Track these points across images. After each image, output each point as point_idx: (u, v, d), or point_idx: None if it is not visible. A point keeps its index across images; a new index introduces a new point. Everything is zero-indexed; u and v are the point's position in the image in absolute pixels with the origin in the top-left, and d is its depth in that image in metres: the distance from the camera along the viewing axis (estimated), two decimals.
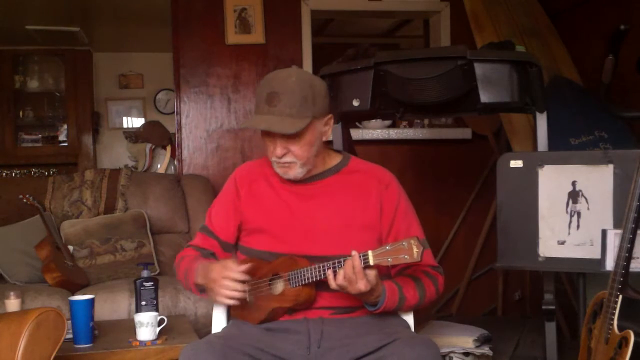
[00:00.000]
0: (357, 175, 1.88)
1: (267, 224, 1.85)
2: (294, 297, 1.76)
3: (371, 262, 1.62)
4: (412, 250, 1.60)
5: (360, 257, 1.63)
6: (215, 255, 1.91)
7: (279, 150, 1.76)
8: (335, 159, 1.90)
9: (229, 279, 1.69)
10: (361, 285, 1.63)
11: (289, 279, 1.76)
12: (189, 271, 1.85)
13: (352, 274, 1.63)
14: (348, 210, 1.83)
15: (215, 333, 1.84)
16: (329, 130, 1.84)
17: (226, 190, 1.95)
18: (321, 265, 1.70)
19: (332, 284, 1.67)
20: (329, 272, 1.67)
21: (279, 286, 1.79)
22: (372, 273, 1.65)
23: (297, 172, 1.80)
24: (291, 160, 1.77)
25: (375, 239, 1.84)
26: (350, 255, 1.65)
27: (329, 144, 1.94)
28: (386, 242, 1.83)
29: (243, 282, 1.71)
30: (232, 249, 1.93)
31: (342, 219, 1.82)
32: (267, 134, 1.77)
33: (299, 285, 1.74)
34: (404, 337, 1.68)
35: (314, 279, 1.72)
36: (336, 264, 1.68)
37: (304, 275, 1.73)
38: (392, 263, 1.62)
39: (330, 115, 1.83)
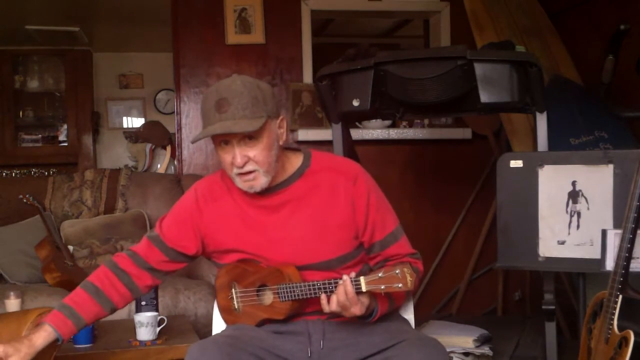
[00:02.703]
0: (322, 174, 1.79)
1: (240, 244, 1.79)
2: (285, 311, 1.73)
3: (363, 289, 1.59)
4: (406, 279, 1.57)
5: (352, 282, 1.60)
6: (152, 269, 1.81)
7: (239, 159, 1.66)
8: (295, 163, 1.81)
9: None
10: (356, 310, 1.62)
11: (278, 293, 1.72)
12: (75, 291, 1.76)
13: (346, 300, 1.61)
14: (320, 214, 1.76)
15: (221, 332, 1.83)
16: (284, 133, 1.75)
17: (184, 206, 1.85)
18: (312, 284, 1.67)
19: (326, 308, 1.64)
20: (323, 297, 1.65)
21: (268, 297, 1.77)
22: (365, 295, 1.63)
23: (262, 181, 1.70)
24: (253, 168, 1.68)
25: (352, 236, 1.78)
26: (340, 275, 1.63)
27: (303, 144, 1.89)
28: (363, 237, 1.79)
29: None
30: (182, 258, 1.84)
31: (316, 224, 1.76)
32: (223, 144, 1.69)
33: (288, 299, 1.71)
34: (411, 337, 1.67)
35: (304, 297, 1.69)
36: (327, 286, 1.65)
37: (294, 292, 1.69)
38: (385, 291, 1.59)
39: (282, 117, 1.75)
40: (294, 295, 1.70)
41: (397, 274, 1.57)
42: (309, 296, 1.68)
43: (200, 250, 1.84)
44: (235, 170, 1.69)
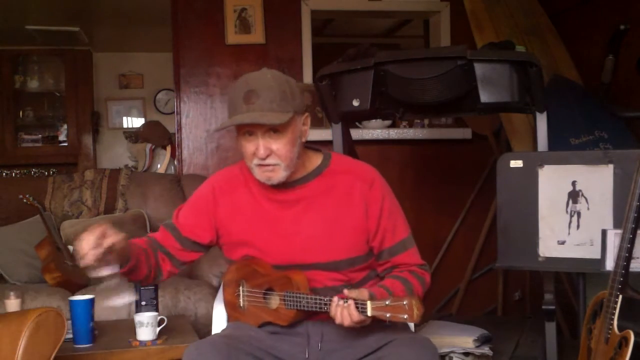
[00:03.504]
0: (339, 176, 1.81)
1: (250, 236, 1.80)
2: (289, 319, 1.74)
3: (369, 314, 1.58)
4: (413, 311, 1.55)
5: (359, 308, 1.59)
6: (169, 255, 1.84)
7: (262, 151, 1.68)
8: (315, 161, 1.83)
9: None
10: (363, 323, 1.63)
11: (284, 299, 1.72)
12: None
13: (351, 322, 1.60)
14: (333, 214, 1.77)
15: (219, 333, 1.84)
16: (307, 130, 1.78)
17: (201, 195, 1.88)
18: (319, 299, 1.67)
19: (332, 312, 1.64)
20: (332, 310, 1.63)
21: (275, 301, 1.77)
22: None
23: (280, 175, 1.72)
24: (275, 162, 1.70)
25: (363, 241, 1.80)
26: (347, 277, 1.65)
27: (320, 144, 1.90)
28: (373, 242, 1.80)
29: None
30: (197, 247, 1.87)
31: (328, 224, 1.77)
32: (247, 135, 1.71)
33: (294, 308, 1.71)
34: (402, 337, 1.67)
35: (310, 309, 1.69)
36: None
37: (301, 302, 1.69)
38: (389, 319, 1.58)
39: (307, 114, 1.78)
40: (300, 306, 1.70)
41: (404, 304, 1.56)
42: (314, 309, 1.68)
43: (214, 239, 1.87)
44: (256, 161, 1.71)
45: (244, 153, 1.74)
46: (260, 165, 1.72)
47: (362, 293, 1.62)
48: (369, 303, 1.58)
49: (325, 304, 1.65)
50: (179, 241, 1.85)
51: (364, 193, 1.79)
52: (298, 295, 1.70)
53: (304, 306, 1.69)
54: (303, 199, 1.79)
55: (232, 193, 1.84)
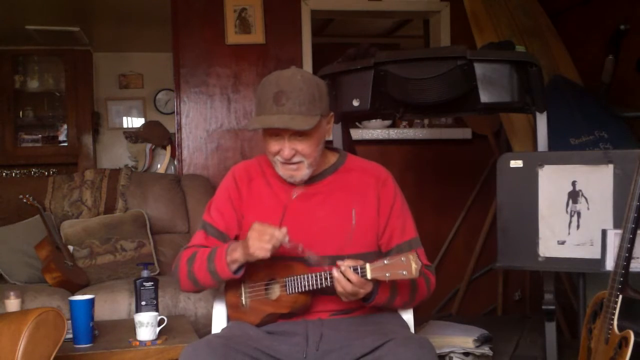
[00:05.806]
0: (354, 173, 1.87)
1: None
2: (290, 304, 1.75)
3: (369, 276, 1.60)
4: (411, 266, 1.57)
5: (358, 270, 1.61)
6: None
7: (287, 152, 1.72)
8: (332, 158, 1.89)
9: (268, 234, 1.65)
10: (360, 294, 1.65)
11: (285, 285, 1.74)
12: (216, 258, 1.76)
13: (351, 288, 1.62)
14: (347, 210, 1.82)
15: (216, 333, 1.84)
16: (330, 128, 1.84)
17: (225, 187, 1.90)
18: (318, 274, 1.69)
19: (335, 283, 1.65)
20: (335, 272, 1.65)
21: (276, 291, 1.78)
22: (369, 282, 1.64)
23: (304, 173, 1.77)
24: (299, 160, 1.74)
25: (374, 237, 1.83)
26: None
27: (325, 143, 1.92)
28: (381, 240, 1.83)
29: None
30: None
31: (342, 219, 1.81)
32: (274, 135, 1.74)
33: (295, 292, 1.73)
34: (399, 337, 1.67)
35: (312, 288, 1.70)
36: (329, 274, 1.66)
37: (302, 283, 1.71)
38: (390, 278, 1.60)
39: (331, 114, 1.82)
40: (302, 287, 1.71)
41: (402, 261, 1.58)
42: (316, 286, 1.69)
43: (239, 232, 1.87)
44: (280, 158, 1.75)
45: (267, 149, 1.77)
46: (284, 163, 1.76)
47: (357, 261, 1.63)
48: (368, 265, 1.60)
49: (326, 278, 1.67)
50: (221, 240, 1.86)
51: (377, 190, 1.84)
52: (299, 277, 1.71)
53: (305, 286, 1.70)
54: (318, 193, 1.83)
55: (251, 182, 1.87)
